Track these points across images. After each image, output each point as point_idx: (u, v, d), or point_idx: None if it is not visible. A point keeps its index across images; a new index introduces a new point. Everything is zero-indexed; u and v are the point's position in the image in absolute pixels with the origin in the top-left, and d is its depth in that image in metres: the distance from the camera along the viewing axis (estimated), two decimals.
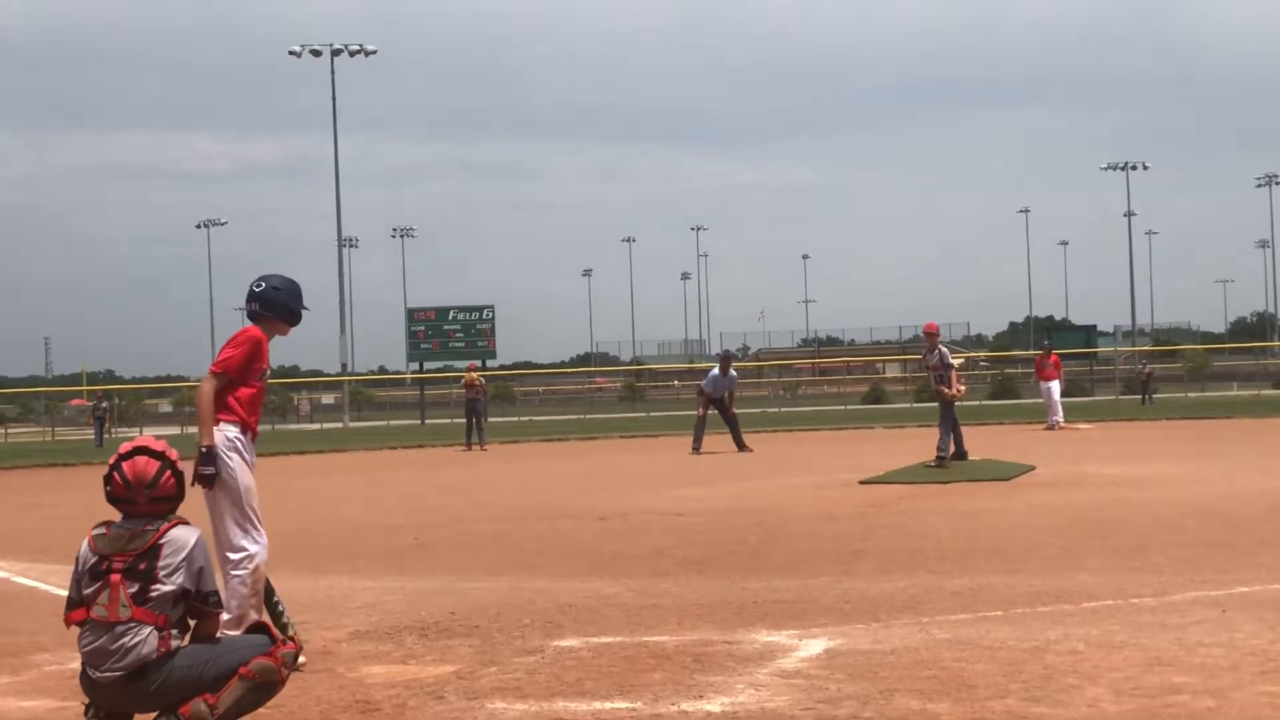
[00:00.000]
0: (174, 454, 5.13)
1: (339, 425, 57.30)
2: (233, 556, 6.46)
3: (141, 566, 4.85)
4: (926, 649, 6.29)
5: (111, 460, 5.08)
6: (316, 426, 58.96)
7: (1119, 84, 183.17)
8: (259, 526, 6.56)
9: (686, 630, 7.01)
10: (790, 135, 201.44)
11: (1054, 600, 7.50)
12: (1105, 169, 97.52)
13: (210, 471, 6.40)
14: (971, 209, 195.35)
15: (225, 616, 5.89)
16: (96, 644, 4.82)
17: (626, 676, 5.98)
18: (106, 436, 43.95)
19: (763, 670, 6.00)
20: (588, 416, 58.22)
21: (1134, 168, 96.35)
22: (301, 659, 5.92)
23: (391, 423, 58.27)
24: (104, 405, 47.49)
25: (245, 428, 6.62)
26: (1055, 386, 29.84)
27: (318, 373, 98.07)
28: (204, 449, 6.41)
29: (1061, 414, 29.49)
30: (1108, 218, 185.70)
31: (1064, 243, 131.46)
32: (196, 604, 4.99)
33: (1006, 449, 21.10)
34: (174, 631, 4.90)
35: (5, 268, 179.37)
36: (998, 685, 5.56)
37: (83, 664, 4.91)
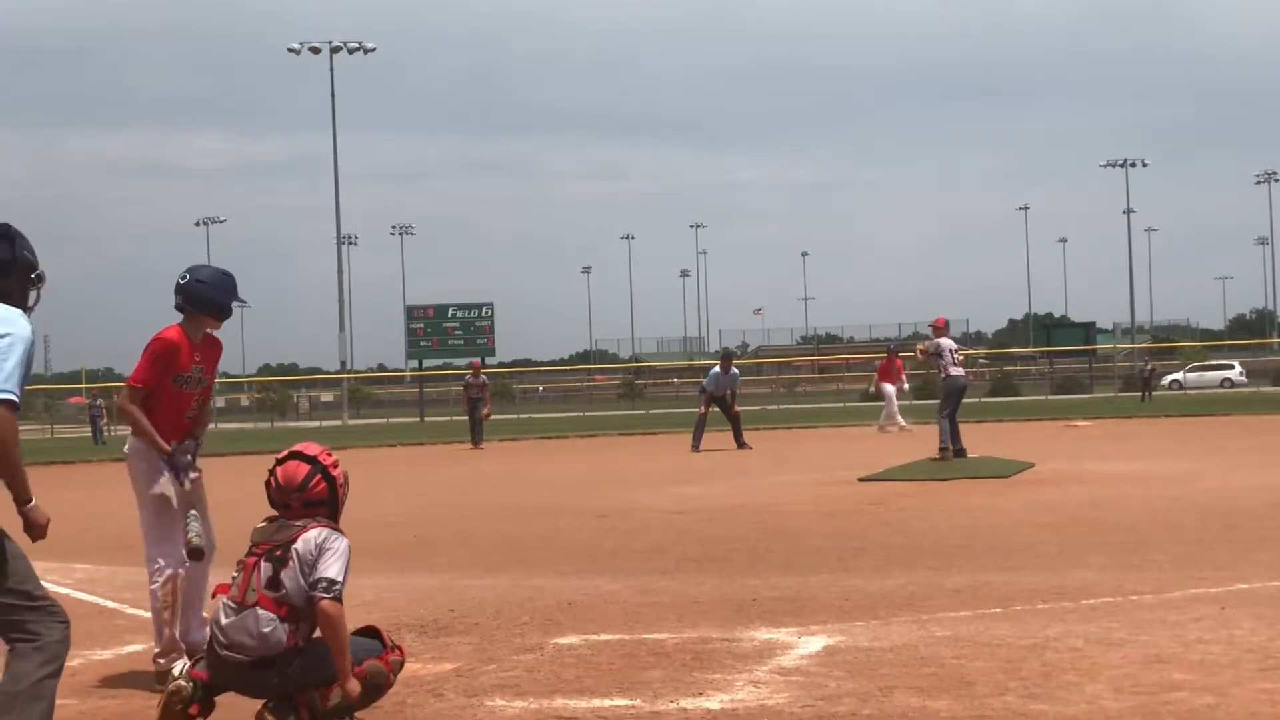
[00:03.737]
0: (329, 459, 5.24)
1: (338, 423, 57.28)
2: (148, 568, 6.35)
3: (278, 553, 5.01)
4: (926, 646, 6.29)
5: (272, 465, 5.22)
6: (315, 424, 58.96)
7: (1118, 81, 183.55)
8: (169, 538, 6.28)
9: (686, 628, 7.01)
10: (789, 132, 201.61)
11: (1053, 597, 7.50)
12: (1104, 166, 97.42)
13: (189, 467, 6.33)
14: (971, 206, 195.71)
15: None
16: (228, 622, 4.97)
17: (626, 674, 5.98)
18: (107, 436, 44.00)
19: (762, 667, 6.00)
20: (587, 414, 58.22)
21: (1133, 165, 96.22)
22: None
23: (390, 420, 58.25)
24: (99, 403, 47.83)
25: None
26: (894, 390, 29.44)
27: (316, 370, 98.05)
28: (164, 458, 6.29)
29: (899, 418, 28.85)
30: (1107, 215, 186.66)
31: (1063, 240, 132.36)
32: (307, 589, 5.03)
33: (1005, 446, 21.10)
34: (302, 629, 4.99)
35: None
36: (997, 682, 5.56)
37: (211, 635, 5.04)
